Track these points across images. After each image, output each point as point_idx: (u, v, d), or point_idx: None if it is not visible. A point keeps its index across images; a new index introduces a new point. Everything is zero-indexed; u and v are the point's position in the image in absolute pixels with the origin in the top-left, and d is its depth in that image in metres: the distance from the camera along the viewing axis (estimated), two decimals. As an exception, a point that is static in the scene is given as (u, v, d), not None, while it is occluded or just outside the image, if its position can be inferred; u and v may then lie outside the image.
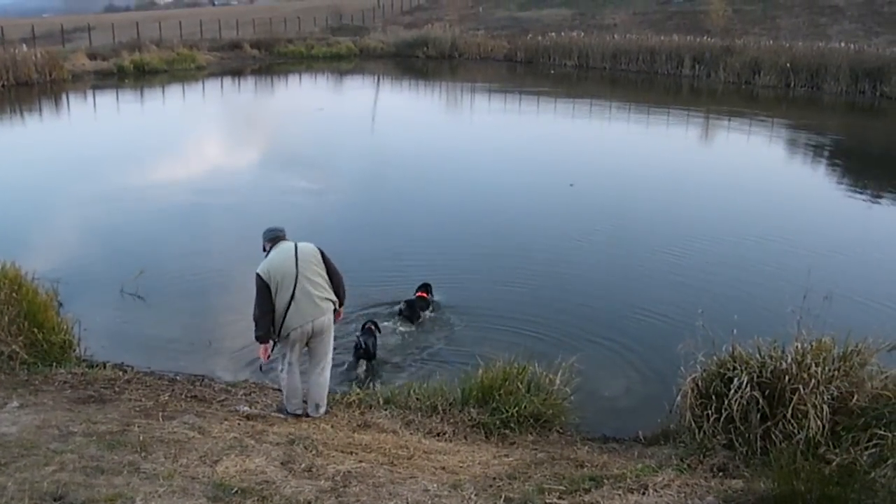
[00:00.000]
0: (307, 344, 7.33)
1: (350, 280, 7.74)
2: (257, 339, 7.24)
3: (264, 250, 7.35)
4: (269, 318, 7.08)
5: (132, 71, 41.28)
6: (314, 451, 6.00)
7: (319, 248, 7.36)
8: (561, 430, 7.42)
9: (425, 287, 10.98)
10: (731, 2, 51.09)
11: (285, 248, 7.18)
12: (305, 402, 7.49)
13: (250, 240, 13.77)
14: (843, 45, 38.61)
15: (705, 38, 43.82)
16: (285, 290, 7.02)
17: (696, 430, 6.63)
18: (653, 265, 12.95)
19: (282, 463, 5.74)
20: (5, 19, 63.64)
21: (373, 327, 9.84)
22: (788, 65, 36.64)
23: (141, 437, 6.08)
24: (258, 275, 7.04)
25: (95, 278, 12.10)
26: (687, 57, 41.40)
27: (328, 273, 7.31)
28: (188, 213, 15.99)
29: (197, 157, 22.53)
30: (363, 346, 8.98)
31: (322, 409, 7.39)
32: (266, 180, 19.16)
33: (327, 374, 7.46)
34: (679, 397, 6.93)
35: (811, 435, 6.18)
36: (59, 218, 15.68)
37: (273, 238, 7.29)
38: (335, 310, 7.40)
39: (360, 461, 5.93)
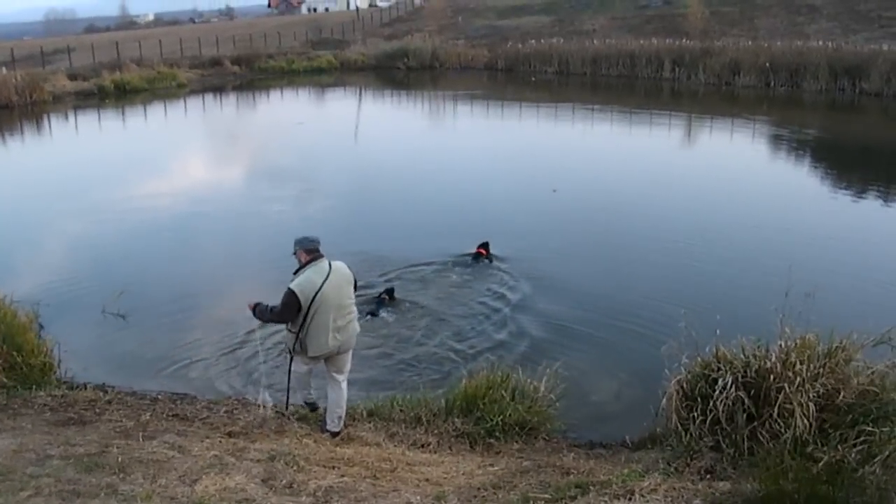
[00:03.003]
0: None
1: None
2: (259, 314, 7.27)
3: (294, 255, 7.17)
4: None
5: (113, 91, 41.17)
6: (295, 467, 5.91)
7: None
8: (547, 438, 7.36)
9: (485, 245, 13.10)
10: (708, 4, 51.25)
11: (323, 268, 7.00)
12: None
13: (232, 256, 13.98)
14: (821, 43, 38.74)
15: (684, 40, 43.86)
16: (319, 317, 6.91)
17: (683, 433, 6.58)
18: (635, 267, 12.95)
19: (262, 480, 5.64)
20: (-16, 43, 63.49)
21: (385, 297, 11.22)
22: (768, 64, 36.77)
23: (119, 459, 5.97)
24: (294, 292, 6.86)
25: (77, 299, 11.98)
26: (667, 60, 41.41)
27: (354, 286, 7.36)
28: (169, 231, 15.87)
29: (178, 175, 22.40)
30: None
31: (342, 423, 7.31)
32: (246, 196, 19.13)
33: (345, 385, 7.38)
34: (664, 400, 6.87)
35: (798, 434, 6.13)
36: (39, 239, 15.52)
37: (310, 250, 7.08)
38: None
39: (343, 476, 5.85)
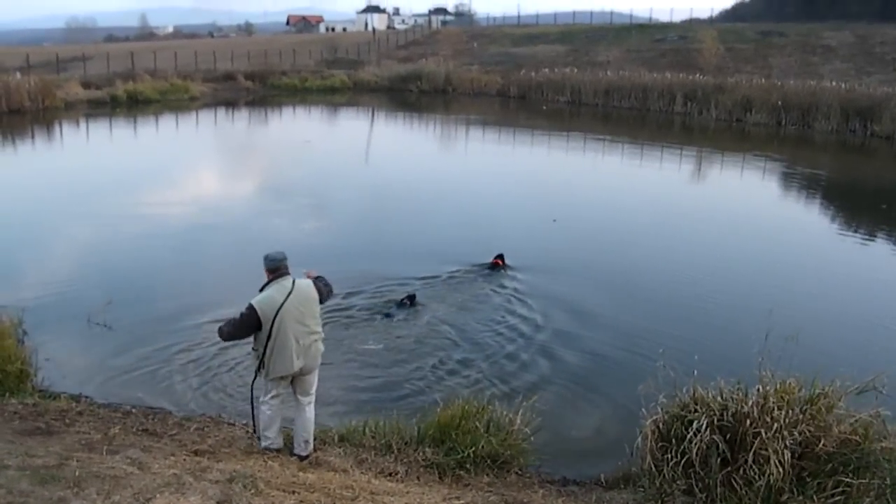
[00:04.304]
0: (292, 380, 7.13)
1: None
2: (220, 334, 7.13)
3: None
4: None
5: (125, 100, 41.42)
6: (253, 490, 5.75)
7: (314, 280, 7.14)
8: (520, 472, 7.18)
9: (500, 256, 14.13)
10: (723, 40, 51.41)
11: (285, 286, 6.87)
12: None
13: (225, 270, 13.88)
14: (834, 84, 38.66)
15: (698, 75, 43.88)
16: (281, 335, 6.77)
17: (656, 475, 6.42)
18: (625, 301, 12.79)
19: (218, 502, 5.49)
20: (4, 48, 64.07)
21: (407, 301, 11.98)
22: (780, 103, 36.63)
23: (77, 472, 5.83)
24: (254, 308, 6.76)
25: (64, 307, 11.86)
26: (679, 94, 41.34)
27: (322, 297, 7.13)
28: (164, 242, 15.77)
29: (178, 187, 22.31)
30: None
31: (310, 447, 7.14)
32: (245, 211, 19.13)
33: (313, 408, 7.20)
34: (640, 439, 6.71)
35: (772, 481, 5.97)
36: (32, 245, 15.46)
37: (274, 269, 6.94)
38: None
39: (301, 501, 5.69)
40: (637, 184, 23.76)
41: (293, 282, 6.91)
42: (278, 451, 7.20)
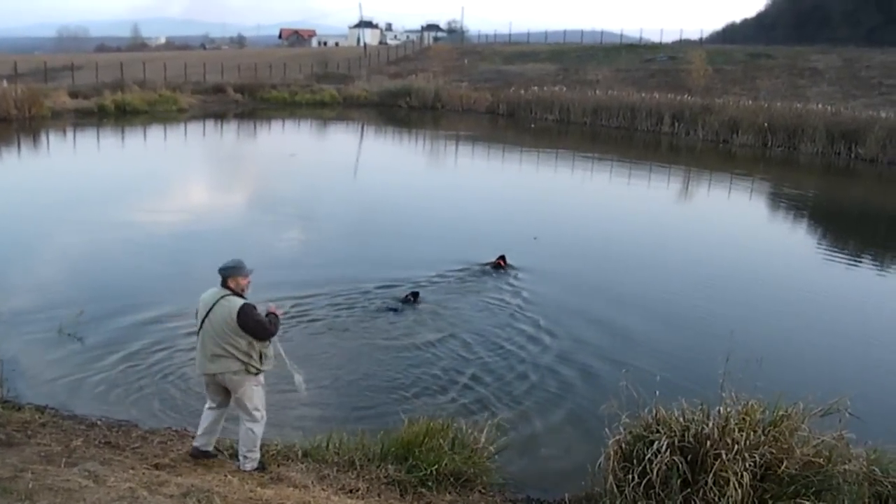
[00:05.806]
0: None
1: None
2: None
3: None
4: None
5: (113, 111, 41.37)
6: (207, 506, 5.69)
7: (242, 308, 6.76)
8: (483, 491, 7.11)
9: (503, 257, 14.94)
10: (712, 61, 51.72)
11: (213, 295, 6.89)
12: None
13: (201, 283, 13.72)
14: (820, 106, 38.95)
15: (686, 96, 44.13)
16: (200, 335, 6.92)
17: (618, 495, 6.39)
18: (590, 320, 12.67)
19: (170, 518, 5.43)
20: (-7, 55, 63.96)
21: (411, 298, 12.64)
22: (766, 124, 36.88)
23: (31, 485, 5.75)
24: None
25: (36, 317, 11.73)
26: (667, 114, 41.58)
27: (247, 331, 6.80)
28: (139, 253, 15.67)
29: (157, 199, 22.12)
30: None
31: (247, 465, 7.01)
32: (224, 223, 19.04)
33: (254, 427, 6.99)
34: (602, 459, 6.68)
35: (732, 503, 5.93)
36: (7, 254, 15.31)
37: (222, 277, 6.99)
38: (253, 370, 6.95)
39: (256, 518, 5.63)
40: (621, 203, 23.87)
41: (222, 297, 6.85)
42: (205, 453, 7.20)
